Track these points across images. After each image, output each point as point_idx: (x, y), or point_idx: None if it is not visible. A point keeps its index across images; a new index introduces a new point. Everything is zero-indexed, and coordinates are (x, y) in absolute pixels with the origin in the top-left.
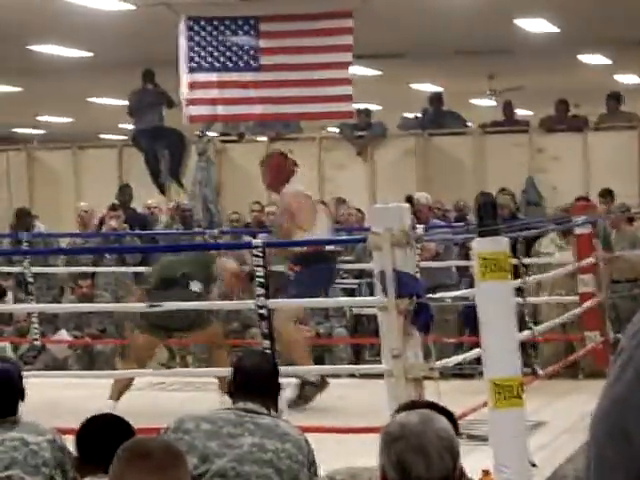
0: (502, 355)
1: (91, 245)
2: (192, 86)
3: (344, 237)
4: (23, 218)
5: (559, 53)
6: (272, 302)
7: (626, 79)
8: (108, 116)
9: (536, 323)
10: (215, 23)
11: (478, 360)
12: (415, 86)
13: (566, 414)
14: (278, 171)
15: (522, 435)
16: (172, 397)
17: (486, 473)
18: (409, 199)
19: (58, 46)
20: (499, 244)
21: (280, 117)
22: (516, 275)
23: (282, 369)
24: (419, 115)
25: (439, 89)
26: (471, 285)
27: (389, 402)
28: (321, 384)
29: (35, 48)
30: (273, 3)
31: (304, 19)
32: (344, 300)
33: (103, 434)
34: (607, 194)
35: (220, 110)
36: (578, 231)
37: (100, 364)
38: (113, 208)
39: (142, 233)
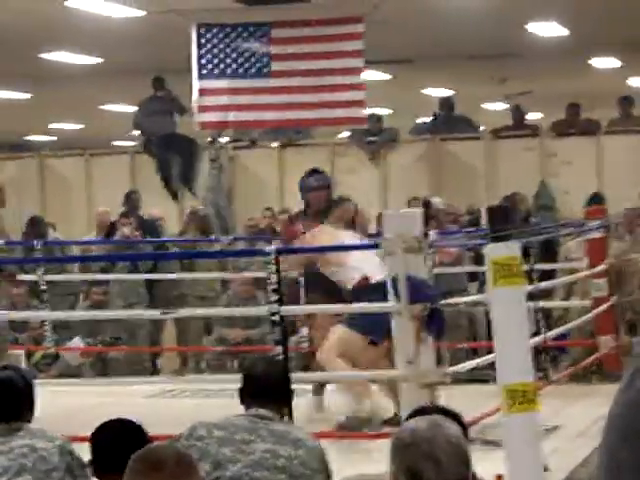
0: (515, 360)
1: (103, 253)
2: (203, 93)
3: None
4: (37, 226)
5: (570, 56)
6: (285, 309)
7: (637, 82)
8: (119, 123)
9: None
10: (227, 30)
11: (492, 365)
12: (426, 91)
13: (580, 418)
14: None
15: (535, 440)
16: (184, 404)
17: (499, 478)
18: (426, 204)
19: (69, 53)
20: (511, 249)
21: (292, 123)
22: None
23: (295, 376)
24: (430, 120)
25: (450, 93)
26: (481, 290)
27: (403, 407)
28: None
29: (46, 55)
30: (284, 9)
31: (315, 25)
32: (357, 306)
33: (117, 439)
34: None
35: (231, 117)
36: (591, 235)
37: (113, 371)
38: (125, 215)
39: (155, 241)
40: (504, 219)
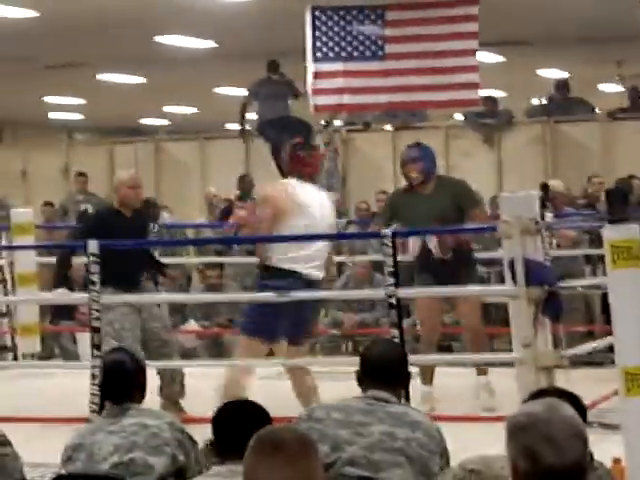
0: (634, 343)
1: (217, 235)
2: (318, 76)
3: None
4: (149, 209)
5: None
6: (401, 292)
7: None
8: (233, 106)
9: None
10: (341, 13)
11: (610, 348)
12: (541, 72)
13: None
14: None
15: None
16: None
17: (617, 461)
18: (544, 187)
19: (184, 37)
20: (630, 231)
21: (406, 106)
22: None
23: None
24: (545, 102)
25: (565, 75)
26: (594, 273)
27: (519, 390)
28: None
29: (161, 39)
30: None
31: (430, 7)
32: (474, 289)
33: (240, 420)
34: None
35: (346, 100)
36: None
37: (228, 353)
38: (241, 198)
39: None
40: (623, 201)
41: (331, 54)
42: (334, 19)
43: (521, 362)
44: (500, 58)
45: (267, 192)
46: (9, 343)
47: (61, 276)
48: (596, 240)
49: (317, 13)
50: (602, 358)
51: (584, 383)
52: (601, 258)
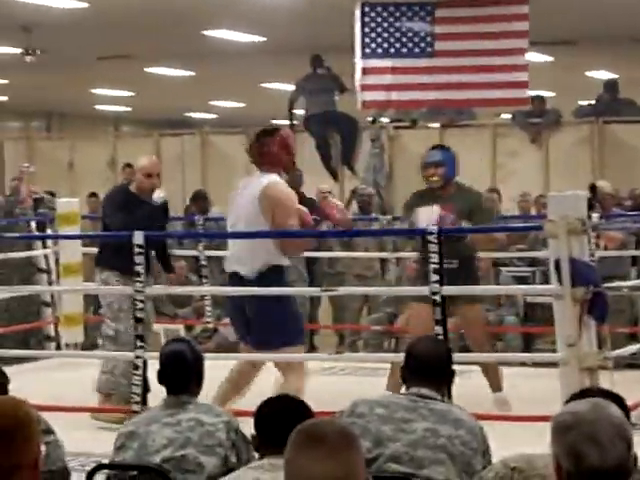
0: None
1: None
2: (366, 72)
3: (520, 225)
4: (200, 201)
5: None
6: (446, 289)
7: None
8: (280, 101)
9: None
10: (391, 9)
11: None
12: (590, 73)
13: None
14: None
15: None
16: (342, 382)
17: None
18: (592, 187)
19: (232, 31)
20: None
21: (454, 103)
22: None
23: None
24: (594, 102)
25: (614, 76)
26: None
27: (562, 390)
28: None
29: (210, 33)
30: None
31: (480, 5)
32: (518, 288)
33: (282, 415)
34: None
35: (394, 96)
36: None
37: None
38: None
39: (315, 218)
40: None
41: (380, 50)
42: (383, 15)
43: (565, 362)
44: (549, 58)
45: (289, 191)
46: (52, 333)
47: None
48: None
49: (367, 9)
50: None
51: (627, 385)
52: None
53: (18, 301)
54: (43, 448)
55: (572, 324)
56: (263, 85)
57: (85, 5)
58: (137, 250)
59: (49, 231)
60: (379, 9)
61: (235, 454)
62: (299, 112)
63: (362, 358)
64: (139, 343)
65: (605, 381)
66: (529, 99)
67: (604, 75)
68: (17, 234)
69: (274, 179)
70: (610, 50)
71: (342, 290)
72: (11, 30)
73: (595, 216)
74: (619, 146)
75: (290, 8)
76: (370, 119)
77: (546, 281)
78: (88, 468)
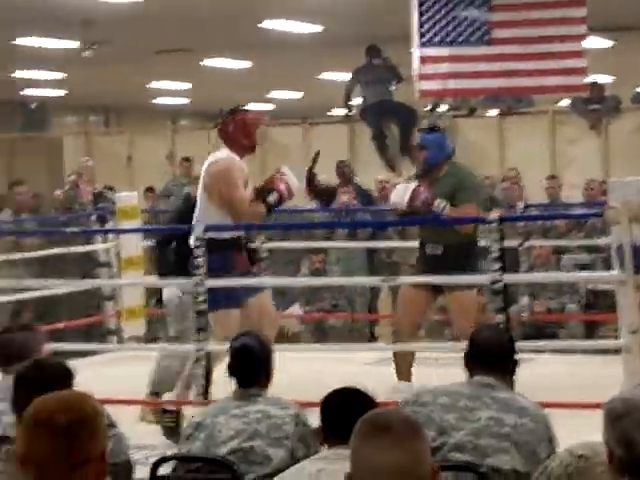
0: None
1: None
2: (424, 61)
3: (580, 212)
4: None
5: None
6: (507, 277)
7: None
8: (338, 92)
9: None
10: None
11: None
12: None
13: None
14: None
15: None
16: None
17: None
18: None
19: (290, 21)
20: None
21: (512, 91)
22: None
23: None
24: None
25: None
26: None
27: (625, 378)
28: None
29: (267, 24)
30: None
31: None
32: (579, 275)
33: (347, 407)
34: None
35: (451, 84)
36: None
37: (332, 338)
38: (344, 183)
39: (373, 209)
40: None
41: (437, 39)
42: (440, 3)
43: (628, 349)
44: (608, 43)
45: (230, 165)
46: (114, 327)
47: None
48: None
49: None
50: None
51: None
52: None
53: (79, 295)
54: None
55: (635, 311)
56: (321, 75)
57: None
58: (197, 244)
59: (109, 225)
60: None
61: (302, 447)
62: (356, 102)
63: (423, 347)
64: (201, 335)
65: None
66: (587, 86)
67: None
68: (77, 228)
69: (219, 156)
70: None
71: (403, 279)
72: (69, 24)
73: None
74: None
75: None
76: (428, 108)
77: (608, 268)
78: (151, 461)
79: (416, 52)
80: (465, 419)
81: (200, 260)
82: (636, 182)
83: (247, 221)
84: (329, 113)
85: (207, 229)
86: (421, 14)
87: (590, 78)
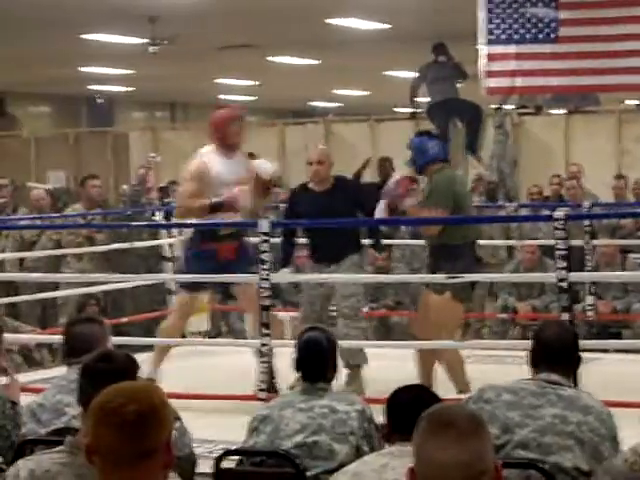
0: None
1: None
2: (491, 58)
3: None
4: None
5: None
6: (573, 275)
7: None
8: (404, 89)
9: None
10: None
11: None
12: None
13: None
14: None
15: None
16: (467, 370)
17: None
18: None
19: (356, 19)
20: None
21: (578, 89)
22: None
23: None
24: None
25: None
26: None
27: None
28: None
29: (333, 21)
30: None
31: None
32: (631, 274)
33: (412, 404)
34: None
35: (518, 82)
36: None
37: (396, 335)
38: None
39: None
40: None
41: (504, 36)
42: (507, 1)
43: None
44: None
45: (192, 162)
46: None
47: (287, 256)
48: None
49: None
50: None
51: None
52: None
53: (144, 290)
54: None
55: None
56: (387, 73)
57: None
58: (262, 238)
59: (174, 220)
60: None
61: (367, 443)
62: (422, 100)
63: (487, 345)
64: (265, 331)
65: None
66: None
67: None
68: (143, 223)
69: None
70: None
71: (468, 277)
72: (137, 21)
73: None
74: None
75: None
76: (494, 106)
77: None
78: (215, 455)
79: (483, 50)
80: (529, 416)
81: (265, 255)
82: None
83: (183, 213)
84: (395, 110)
85: (274, 224)
86: (488, 11)
87: None
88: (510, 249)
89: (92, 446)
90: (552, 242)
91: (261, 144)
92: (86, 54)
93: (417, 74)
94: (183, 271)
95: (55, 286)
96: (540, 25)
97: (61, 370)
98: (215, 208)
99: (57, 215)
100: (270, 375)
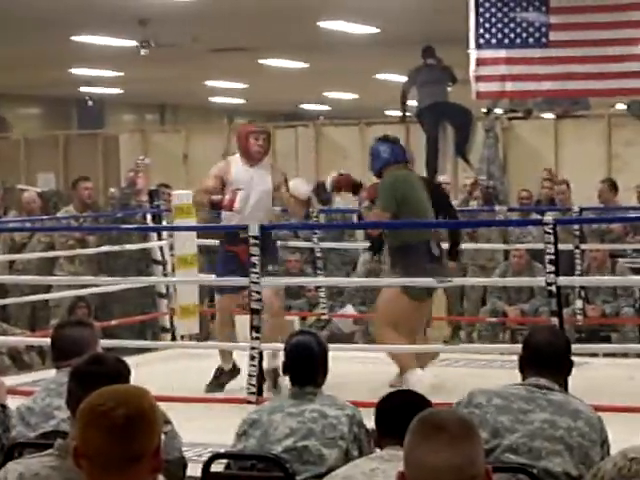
0: None
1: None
2: (480, 62)
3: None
4: (321, 192)
5: None
6: (562, 279)
7: None
8: (393, 92)
9: None
10: None
11: None
12: None
13: None
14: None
15: None
16: (457, 373)
17: None
18: None
19: (346, 22)
20: None
21: (568, 93)
22: None
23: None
24: None
25: None
26: None
27: None
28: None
29: (324, 24)
30: None
31: None
32: (634, 279)
33: (402, 409)
34: None
35: (508, 86)
36: None
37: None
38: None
39: None
40: None
41: (494, 41)
42: (497, 5)
43: None
44: None
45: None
46: (168, 324)
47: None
48: None
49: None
50: None
51: None
52: None
53: (134, 292)
54: (162, 438)
55: None
56: (377, 76)
57: None
58: (252, 242)
59: (164, 223)
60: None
61: (357, 447)
62: (412, 103)
63: (477, 349)
64: (254, 334)
65: None
66: None
67: None
68: (133, 225)
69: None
70: None
71: (457, 280)
72: (127, 23)
73: None
74: None
75: None
76: (484, 110)
77: None
78: (204, 458)
79: (473, 54)
80: (519, 421)
81: (256, 258)
82: None
83: (193, 204)
84: (385, 113)
85: (263, 228)
86: (478, 15)
87: None
88: (507, 253)
89: (80, 449)
90: (541, 246)
91: None
92: (77, 56)
93: (407, 78)
94: (217, 272)
95: (46, 289)
96: (530, 29)
97: (50, 373)
98: (213, 205)
99: (49, 217)
100: (260, 378)
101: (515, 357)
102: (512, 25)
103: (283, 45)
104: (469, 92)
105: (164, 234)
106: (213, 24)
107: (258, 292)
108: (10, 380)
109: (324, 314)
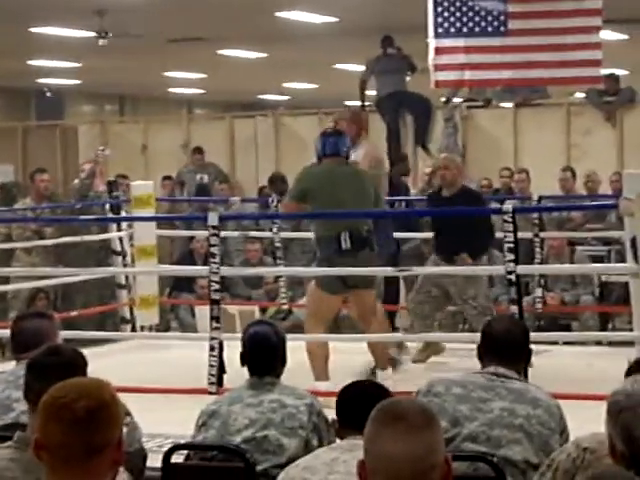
0: None
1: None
2: (439, 51)
3: (595, 203)
4: (277, 183)
5: None
6: (521, 268)
7: None
8: (353, 82)
9: None
10: None
11: None
12: None
13: None
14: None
15: None
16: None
17: None
18: None
19: (304, 12)
20: None
21: (527, 82)
22: None
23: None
24: None
25: None
26: None
27: None
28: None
29: (282, 14)
30: None
31: None
32: (592, 267)
33: (362, 399)
34: None
35: (467, 75)
36: None
37: (345, 329)
38: None
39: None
40: None
41: (452, 29)
42: None
43: None
44: (624, 36)
45: None
46: (128, 315)
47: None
48: None
49: None
50: None
51: None
52: None
53: (93, 284)
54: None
55: None
56: (336, 66)
57: None
58: (212, 232)
59: (123, 214)
60: None
61: (317, 437)
62: (370, 93)
63: (436, 338)
64: (215, 324)
65: None
66: (602, 78)
67: None
68: (92, 216)
69: None
70: None
71: (416, 269)
72: (84, 14)
73: None
74: None
75: None
76: (443, 99)
77: (622, 260)
78: (165, 449)
79: (432, 43)
80: (479, 410)
81: (216, 248)
82: None
83: None
84: (344, 103)
85: (221, 218)
86: (437, 5)
87: (606, 70)
88: None
89: (41, 441)
90: (500, 235)
91: (210, 137)
92: (35, 47)
93: (365, 67)
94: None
95: (4, 280)
96: (489, 18)
97: (9, 365)
98: None
99: (6, 209)
100: (220, 369)
101: (474, 346)
102: (471, 14)
103: (242, 35)
104: (428, 81)
105: (123, 225)
106: (171, 14)
107: (217, 282)
108: None
109: (284, 304)
